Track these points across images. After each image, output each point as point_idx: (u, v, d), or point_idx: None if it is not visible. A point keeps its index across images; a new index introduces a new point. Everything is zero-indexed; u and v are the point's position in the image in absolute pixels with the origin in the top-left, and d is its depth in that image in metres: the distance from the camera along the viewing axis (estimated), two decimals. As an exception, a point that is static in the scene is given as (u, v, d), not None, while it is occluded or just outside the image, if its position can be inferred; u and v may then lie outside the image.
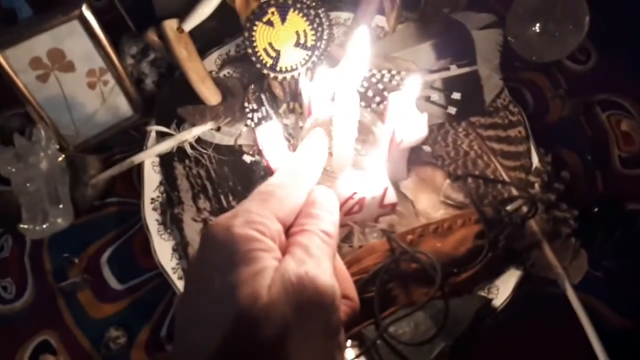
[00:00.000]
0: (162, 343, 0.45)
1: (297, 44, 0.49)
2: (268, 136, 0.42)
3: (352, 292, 0.28)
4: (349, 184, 0.41)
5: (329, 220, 0.27)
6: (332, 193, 0.28)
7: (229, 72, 0.55)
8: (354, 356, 0.40)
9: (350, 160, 0.42)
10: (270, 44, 0.48)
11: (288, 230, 0.26)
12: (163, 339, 0.45)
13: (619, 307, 0.78)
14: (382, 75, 0.54)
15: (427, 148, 0.52)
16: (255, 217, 0.24)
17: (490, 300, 0.43)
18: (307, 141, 0.30)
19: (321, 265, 0.24)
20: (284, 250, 0.24)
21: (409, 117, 0.43)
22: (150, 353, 0.45)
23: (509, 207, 0.46)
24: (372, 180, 0.41)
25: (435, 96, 0.53)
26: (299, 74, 0.49)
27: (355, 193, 0.41)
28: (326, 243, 0.25)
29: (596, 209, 0.51)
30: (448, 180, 0.50)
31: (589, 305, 0.83)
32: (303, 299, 0.22)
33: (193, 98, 0.52)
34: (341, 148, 0.40)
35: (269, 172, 0.45)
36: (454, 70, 0.54)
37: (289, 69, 0.49)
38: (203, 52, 0.54)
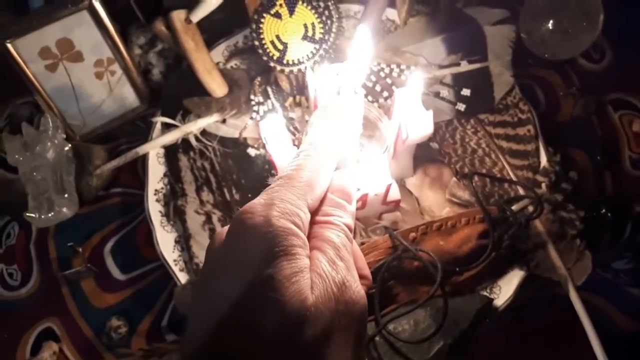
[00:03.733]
0: (162, 333, 0.45)
1: (305, 37, 0.48)
2: (272, 129, 0.41)
3: (367, 271, 0.27)
4: (353, 179, 0.40)
5: (351, 211, 0.27)
6: (352, 178, 0.28)
7: (236, 64, 0.55)
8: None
9: (354, 155, 0.41)
10: (277, 37, 0.48)
11: (312, 216, 0.25)
12: (164, 329, 0.46)
13: (627, 309, 0.77)
14: (391, 70, 0.53)
15: (434, 145, 0.51)
16: (291, 208, 0.23)
17: (492, 300, 0.43)
18: (335, 105, 0.28)
19: (351, 270, 0.24)
20: (309, 240, 0.24)
21: (415, 114, 0.42)
22: (150, 343, 0.45)
23: (514, 207, 0.45)
24: (375, 176, 0.40)
25: (445, 92, 0.52)
26: (305, 67, 0.48)
27: (357, 189, 0.40)
28: (349, 239, 0.25)
29: (603, 211, 0.50)
30: (454, 178, 0.49)
31: (598, 307, 0.82)
32: (341, 308, 0.22)
33: (199, 89, 0.51)
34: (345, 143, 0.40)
35: (272, 166, 0.45)
36: (465, 66, 0.53)
37: (296, 62, 0.49)
38: (211, 44, 0.54)
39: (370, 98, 0.51)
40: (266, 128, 0.42)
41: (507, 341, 0.80)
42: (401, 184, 0.50)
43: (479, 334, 0.72)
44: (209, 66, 0.51)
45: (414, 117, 0.43)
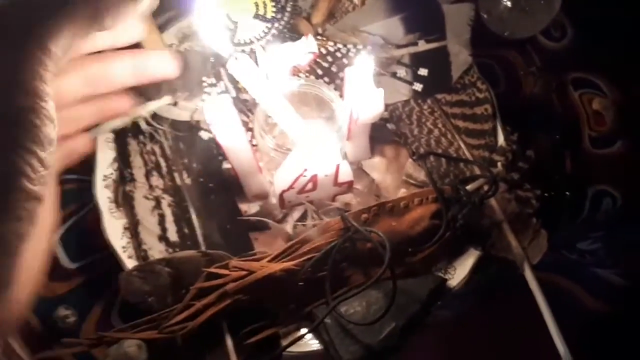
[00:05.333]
0: (112, 322, 0.44)
1: (256, 16, 0.47)
2: (218, 111, 0.40)
3: None
4: (300, 160, 0.40)
5: None
6: None
7: (190, 46, 0.53)
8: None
9: (300, 136, 0.40)
10: (227, 15, 0.47)
11: None
12: (114, 318, 0.45)
13: (595, 290, 0.78)
14: (348, 50, 0.52)
15: (391, 126, 0.50)
16: None
17: (446, 280, 0.42)
18: None
19: None
20: None
21: (365, 93, 0.42)
22: (100, 332, 0.44)
23: (470, 186, 0.45)
24: (323, 157, 0.40)
25: (402, 72, 0.52)
26: (256, 47, 0.47)
27: (305, 170, 0.40)
28: None
29: (562, 189, 0.50)
30: (410, 159, 0.48)
31: (565, 288, 0.83)
32: None
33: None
34: (287, 124, 0.39)
35: (220, 149, 0.44)
36: (422, 46, 0.52)
37: (247, 41, 0.47)
38: (165, 26, 0.52)
39: (326, 79, 0.50)
40: (211, 110, 0.40)
41: (470, 325, 0.81)
42: (358, 166, 0.49)
43: (442, 319, 0.73)
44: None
45: (365, 97, 0.42)
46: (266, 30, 0.47)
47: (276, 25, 0.47)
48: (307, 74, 0.49)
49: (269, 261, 0.41)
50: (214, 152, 0.48)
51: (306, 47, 0.45)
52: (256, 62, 0.45)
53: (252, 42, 0.47)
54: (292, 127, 0.42)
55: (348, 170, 0.42)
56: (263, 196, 0.47)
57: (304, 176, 0.40)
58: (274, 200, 0.46)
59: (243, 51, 0.47)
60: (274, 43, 0.48)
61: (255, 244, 0.45)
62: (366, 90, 0.42)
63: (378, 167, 0.49)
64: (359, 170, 0.49)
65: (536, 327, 0.47)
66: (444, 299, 0.43)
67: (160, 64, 0.42)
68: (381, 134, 0.50)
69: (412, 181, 0.47)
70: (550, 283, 0.81)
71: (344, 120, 0.44)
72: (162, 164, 0.46)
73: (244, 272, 0.40)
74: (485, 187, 0.44)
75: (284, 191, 0.42)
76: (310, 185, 0.42)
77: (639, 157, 0.53)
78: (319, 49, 0.50)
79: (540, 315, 0.44)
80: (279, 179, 0.41)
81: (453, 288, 0.43)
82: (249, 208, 0.47)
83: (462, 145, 0.48)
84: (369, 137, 0.48)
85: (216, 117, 0.40)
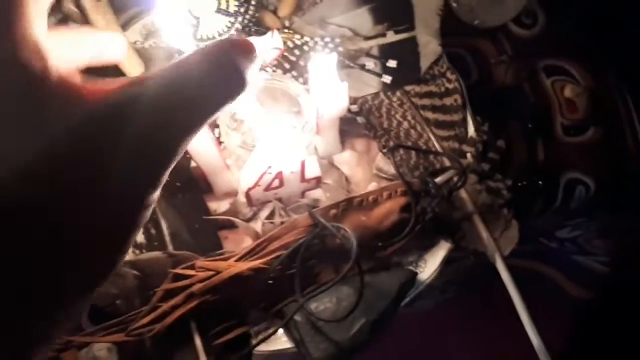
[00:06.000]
0: (81, 325, 0.44)
1: (219, 10, 0.46)
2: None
3: None
4: (264, 157, 0.39)
5: None
6: None
7: (154, 42, 0.52)
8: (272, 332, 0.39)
9: (265, 132, 0.40)
10: (189, 11, 0.46)
11: None
12: (83, 320, 0.44)
13: (576, 277, 0.79)
14: (315, 43, 0.51)
15: (361, 119, 0.50)
16: None
17: (416, 274, 0.42)
18: None
19: None
20: None
21: (329, 87, 0.41)
22: (69, 335, 0.43)
23: (440, 178, 0.44)
24: (287, 153, 0.39)
25: (371, 64, 0.51)
26: (219, 42, 0.46)
27: (269, 167, 0.39)
28: None
29: (534, 178, 0.50)
30: (381, 153, 0.48)
31: (547, 276, 0.83)
32: None
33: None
34: (252, 120, 0.39)
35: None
36: (391, 37, 0.52)
37: (210, 37, 0.46)
38: (128, 23, 0.51)
39: (294, 73, 0.49)
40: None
41: (449, 315, 0.81)
42: (329, 161, 0.49)
43: (424, 309, 0.73)
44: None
45: (328, 91, 0.41)
46: (229, 25, 0.46)
47: (240, 19, 0.46)
48: (273, 68, 0.48)
49: (236, 260, 0.40)
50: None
51: (271, 43, 0.44)
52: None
53: (214, 37, 0.46)
54: (257, 123, 0.41)
55: (315, 166, 0.42)
56: (232, 194, 0.46)
57: (269, 173, 0.40)
58: (243, 198, 0.45)
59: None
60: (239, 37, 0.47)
61: (225, 242, 0.45)
62: (330, 84, 0.41)
63: (349, 162, 0.49)
64: (329, 165, 0.48)
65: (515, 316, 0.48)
66: (424, 290, 0.43)
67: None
68: (351, 128, 0.50)
69: (382, 175, 0.47)
70: (533, 271, 0.82)
71: (311, 114, 0.44)
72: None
73: (210, 272, 0.39)
74: (455, 179, 0.44)
75: (250, 189, 0.41)
76: (276, 182, 0.41)
77: (611, 145, 0.53)
78: (285, 42, 0.49)
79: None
80: (244, 177, 0.41)
81: (424, 281, 0.43)
82: (219, 206, 0.46)
83: (432, 137, 0.48)
84: (338, 131, 0.48)
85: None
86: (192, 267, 0.40)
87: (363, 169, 0.48)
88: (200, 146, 0.42)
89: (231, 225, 0.45)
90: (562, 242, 0.69)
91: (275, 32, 0.45)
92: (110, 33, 0.29)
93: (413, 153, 0.47)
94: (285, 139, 0.38)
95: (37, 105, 0.21)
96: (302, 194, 0.45)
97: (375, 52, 0.51)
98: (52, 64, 0.22)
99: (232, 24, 0.46)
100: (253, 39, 0.42)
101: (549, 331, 0.48)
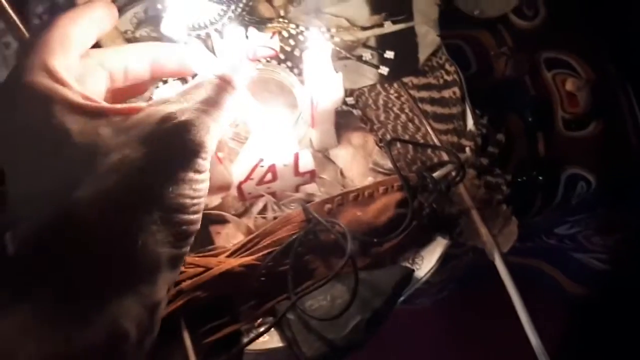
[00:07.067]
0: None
1: (211, -2, 0.45)
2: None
3: None
4: (256, 149, 0.38)
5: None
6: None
7: (146, 32, 0.51)
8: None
9: (257, 124, 0.38)
10: (180, -1, 0.44)
11: None
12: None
13: (574, 275, 0.78)
14: (311, 33, 0.50)
15: (357, 112, 0.48)
16: None
17: (412, 271, 0.41)
18: None
19: None
20: None
21: (323, 78, 0.40)
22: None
23: (437, 173, 0.43)
24: (279, 145, 0.38)
25: (368, 55, 0.50)
26: (211, 31, 0.45)
27: (261, 160, 0.38)
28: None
29: (535, 173, 0.49)
30: (377, 147, 0.47)
31: (545, 273, 0.82)
32: None
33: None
34: (244, 111, 0.37)
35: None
36: (389, 27, 0.50)
37: (202, 25, 0.45)
38: (119, 12, 0.50)
39: (289, 64, 0.48)
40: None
41: (449, 311, 0.80)
42: (324, 154, 0.47)
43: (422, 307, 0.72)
44: (113, 35, 0.47)
45: (323, 82, 0.40)
46: (222, 13, 0.45)
47: (232, 7, 0.45)
48: (267, 59, 0.47)
49: (227, 256, 0.39)
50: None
51: (268, 42, 0.43)
52: (212, 47, 0.43)
53: (206, 26, 0.44)
54: (250, 115, 0.40)
55: (309, 159, 0.41)
56: (225, 188, 0.45)
57: (261, 166, 0.38)
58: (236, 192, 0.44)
59: (198, 36, 0.45)
60: (232, 27, 0.45)
61: (217, 238, 0.43)
62: (325, 75, 0.40)
63: (344, 156, 0.47)
64: (324, 158, 0.47)
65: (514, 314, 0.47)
66: (421, 287, 0.42)
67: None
68: (348, 121, 0.48)
69: (379, 169, 0.46)
70: (532, 268, 0.81)
71: (305, 106, 0.42)
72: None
73: (200, 269, 0.38)
74: (453, 174, 0.43)
75: (241, 182, 0.40)
76: (269, 176, 0.40)
77: (613, 139, 0.52)
78: (280, 32, 0.48)
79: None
80: (236, 170, 0.39)
81: (421, 278, 0.42)
82: (211, 201, 0.45)
83: (430, 131, 0.46)
84: (334, 124, 0.46)
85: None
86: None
87: (359, 163, 0.47)
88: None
89: (223, 221, 0.44)
90: (561, 238, 0.68)
91: (275, 36, 0.44)
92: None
93: (410, 147, 0.46)
94: (278, 131, 0.37)
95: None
96: (297, 188, 0.43)
97: (372, 42, 0.50)
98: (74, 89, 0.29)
99: (225, 12, 0.45)
100: (250, 33, 0.41)
101: (548, 328, 0.47)
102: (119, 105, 0.30)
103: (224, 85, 0.32)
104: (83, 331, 0.25)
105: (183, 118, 0.28)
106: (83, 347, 0.24)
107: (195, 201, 0.29)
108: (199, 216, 0.30)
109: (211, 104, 0.30)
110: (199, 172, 0.29)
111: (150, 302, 0.27)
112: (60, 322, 0.24)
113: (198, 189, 0.29)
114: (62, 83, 0.29)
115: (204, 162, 0.29)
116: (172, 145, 0.28)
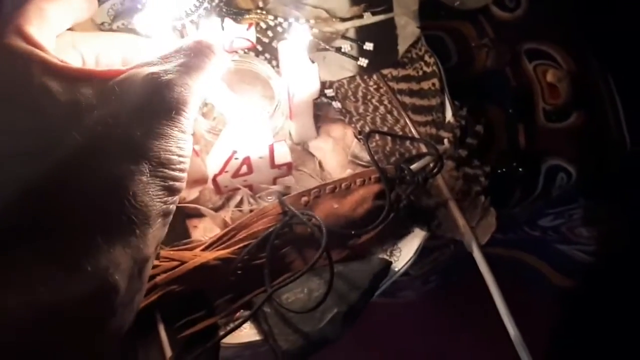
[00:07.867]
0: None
1: (187, -11, 0.44)
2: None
3: None
4: (229, 142, 0.37)
5: None
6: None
7: (123, 24, 0.50)
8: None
9: (232, 116, 0.38)
10: (155, -11, 0.44)
11: None
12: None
13: (559, 266, 0.78)
14: (290, 25, 0.49)
15: (336, 104, 0.48)
16: None
17: (390, 263, 0.41)
18: None
19: None
20: None
21: (299, 69, 0.39)
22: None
23: (415, 165, 0.43)
24: (253, 137, 0.37)
25: (347, 47, 0.49)
26: (185, 22, 0.44)
27: (235, 152, 0.37)
28: None
29: (515, 165, 0.49)
30: (356, 139, 0.46)
31: (530, 265, 0.82)
32: None
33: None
34: (221, 103, 0.37)
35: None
36: (368, 18, 0.50)
37: (177, 17, 0.44)
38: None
39: (267, 55, 0.48)
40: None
41: (435, 304, 0.80)
42: (304, 147, 0.47)
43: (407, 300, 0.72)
44: (88, 27, 0.47)
45: (299, 73, 0.39)
46: (197, 4, 0.44)
47: (208, -1, 0.44)
48: (245, 50, 0.46)
49: (203, 250, 0.39)
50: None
51: (244, 34, 0.42)
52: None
53: (181, 17, 0.44)
54: (226, 107, 0.39)
55: (285, 152, 0.40)
56: (202, 181, 0.44)
57: (235, 159, 0.38)
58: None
59: (174, 28, 0.44)
60: (208, 18, 0.45)
61: (194, 232, 0.43)
62: (300, 66, 0.39)
63: (324, 148, 0.47)
64: (304, 151, 0.47)
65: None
66: (405, 280, 0.41)
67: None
68: (327, 113, 0.48)
69: (358, 161, 0.45)
70: (516, 260, 0.81)
71: (282, 98, 0.42)
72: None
73: (175, 263, 0.38)
74: (431, 166, 0.43)
75: (216, 175, 0.40)
76: (245, 169, 0.40)
77: (594, 131, 0.52)
78: (258, 23, 0.48)
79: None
80: (210, 163, 0.39)
81: (399, 270, 0.42)
82: (188, 194, 0.44)
83: (409, 123, 0.46)
84: (313, 116, 0.46)
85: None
86: (156, 257, 0.38)
87: (338, 155, 0.47)
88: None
89: (200, 214, 0.44)
90: (545, 230, 0.68)
91: (252, 27, 0.43)
92: None
93: (389, 139, 0.45)
94: (252, 123, 0.37)
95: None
96: (274, 181, 0.43)
97: (351, 34, 0.49)
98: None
99: (201, 3, 0.44)
100: (227, 24, 0.40)
101: (532, 320, 0.47)
102: (99, 69, 0.30)
103: (203, 49, 0.33)
104: (72, 279, 0.24)
105: (166, 77, 0.29)
106: (72, 297, 0.24)
107: (181, 159, 0.29)
108: (184, 175, 0.30)
109: (192, 66, 0.31)
110: (182, 132, 0.29)
111: (140, 257, 0.27)
112: (47, 269, 0.24)
113: (183, 147, 0.29)
114: (39, 47, 0.29)
115: (187, 122, 0.30)
116: (156, 102, 0.28)
